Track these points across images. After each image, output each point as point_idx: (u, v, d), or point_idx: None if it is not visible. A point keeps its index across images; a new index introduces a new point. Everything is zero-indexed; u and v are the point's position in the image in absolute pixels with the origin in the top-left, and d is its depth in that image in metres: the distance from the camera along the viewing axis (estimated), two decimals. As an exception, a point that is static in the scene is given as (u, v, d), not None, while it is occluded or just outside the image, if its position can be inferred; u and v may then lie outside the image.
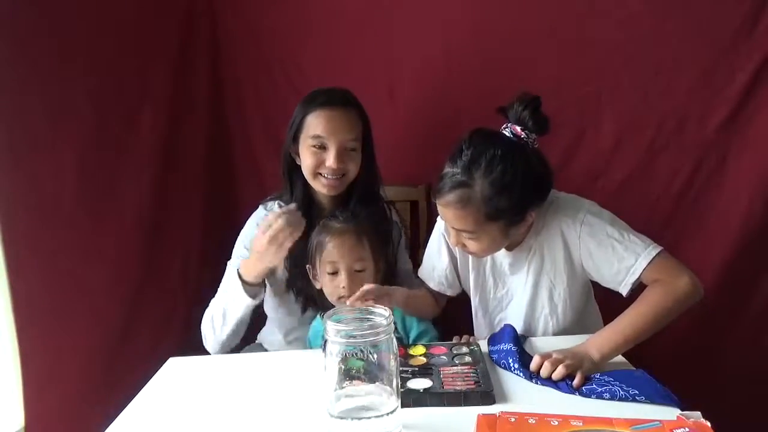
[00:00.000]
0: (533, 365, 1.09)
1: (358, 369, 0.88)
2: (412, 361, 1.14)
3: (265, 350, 1.63)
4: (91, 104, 1.46)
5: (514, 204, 1.17)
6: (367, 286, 1.25)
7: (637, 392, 0.99)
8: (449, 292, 1.44)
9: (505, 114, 1.21)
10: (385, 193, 1.60)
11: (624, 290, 1.21)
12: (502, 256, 1.32)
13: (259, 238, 1.33)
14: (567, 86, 1.67)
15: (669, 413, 0.92)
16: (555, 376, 1.05)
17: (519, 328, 1.30)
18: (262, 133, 1.88)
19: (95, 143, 1.47)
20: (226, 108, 1.89)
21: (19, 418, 1.34)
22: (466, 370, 1.09)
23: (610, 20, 1.62)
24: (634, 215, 1.30)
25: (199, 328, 1.49)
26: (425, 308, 1.42)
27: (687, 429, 0.84)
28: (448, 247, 1.39)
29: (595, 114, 1.68)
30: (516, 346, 1.16)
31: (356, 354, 0.87)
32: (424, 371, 1.09)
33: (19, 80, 1.30)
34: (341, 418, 0.88)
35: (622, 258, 1.19)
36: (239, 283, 1.39)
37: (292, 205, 1.40)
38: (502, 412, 0.91)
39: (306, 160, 1.46)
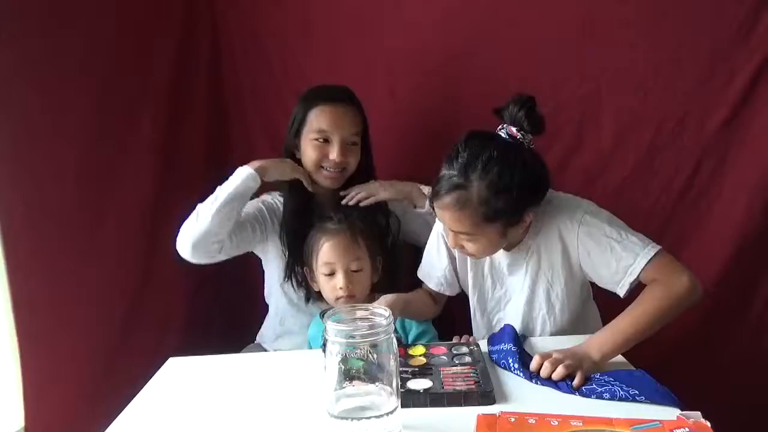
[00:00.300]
0: (533, 365, 1.09)
1: (358, 369, 0.88)
2: (412, 362, 1.14)
3: (265, 350, 1.63)
4: (91, 104, 1.46)
5: (512, 205, 1.17)
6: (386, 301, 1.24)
7: (637, 392, 0.99)
8: (448, 292, 1.44)
9: (501, 115, 1.22)
10: None
11: (621, 291, 1.21)
12: (501, 256, 1.32)
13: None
14: (567, 86, 1.67)
15: (669, 413, 0.92)
16: (555, 376, 1.05)
17: (518, 328, 1.30)
18: (262, 133, 1.88)
19: (95, 143, 1.47)
20: (226, 108, 1.89)
21: (19, 418, 1.34)
22: (466, 370, 1.09)
23: (610, 20, 1.62)
24: (633, 215, 1.30)
25: (199, 329, 1.50)
26: (424, 309, 1.42)
27: (687, 429, 0.84)
28: (447, 247, 1.39)
29: (595, 114, 1.68)
30: (516, 346, 1.16)
31: (356, 354, 0.87)
32: (424, 371, 1.09)
33: (19, 80, 1.30)
34: (341, 418, 0.88)
35: (620, 258, 1.19)
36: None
37: None
38: (502, 412, 0.91)
39: (309, 154, 1.51)
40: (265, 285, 1.66)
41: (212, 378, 1.20)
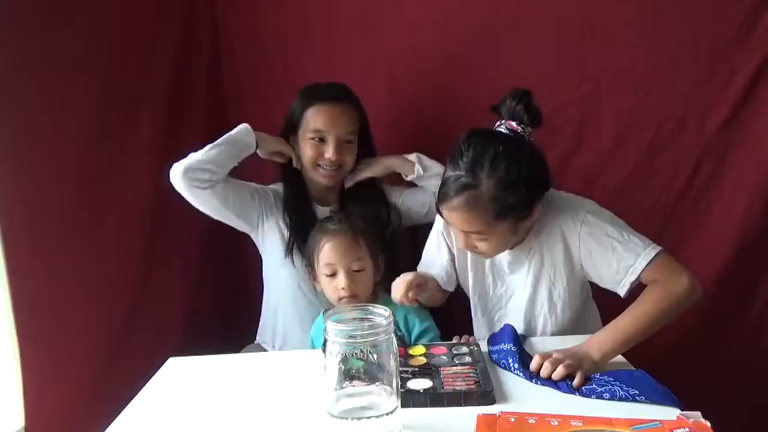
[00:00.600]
0: (533, 365, 1.09)
1: (358, 369, 0.88)
2: (412, 361, 1.14)
3: (265, 350, 1.64)
4: (91, 104, 1.46)
5: (522, 199, 1.17)
6: (407, 277, 1.25)
7: (637, 392, 0.99)
8: (449, 288, 1.44)
9: (498, 111, 1.22)
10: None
11: (622, 291, 1.21)
12: (502, 254, 1.32)
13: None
14: (567, 86, 1.67)
15: (669, 413, 0.92)
16: (555, 376, 1.05)
17: (518, 327, 1.30)
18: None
19: (95, 143, 1.47)
20: (226, 108, 1.89)
21: (19, 418, 1.34)
22: (466, 370, 1.09)
23: (610, 20, 1.62)
24: (633, 215, 1.30)
25: (199, 329, 1.50)
26: (436, 292, 1.42)
27: (687, 429, 0.84)
28: (447, 245, 1.40)
29: (595, 114, 1.68)
30: (516, 346, 1.16)
31: (356, 354, 0.87)
32: (424, 371, 1.09)
33: (19, 80, 1.30)
34: (341, 418, 0.88)
35: (621, 258, 1.19)
36: None
37: None
38: (502, 412, 0.91)
39: (306, 152, 1.54)
40: (263, 275, 1.67)
41: (212, 378, 1.20)
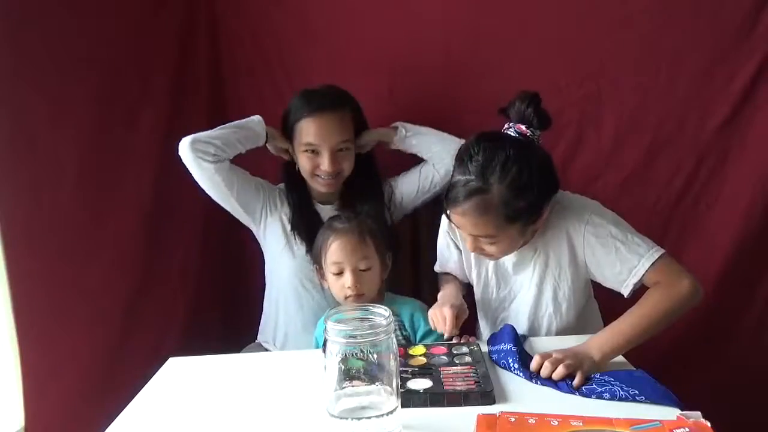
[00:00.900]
0: (533, 365, 1.09)
1: (358, 369, 0.88)
2: (412, 361, 1.14)
3: (265, 350, 1.64)
4: (91, 104, 1.46)
5: (532, 203, 1.17)
6: (449, 316, 1.24)
7: (637, 392, 0.99)
8: (466, 281, 1.45)
9: (506, 114, 1.21)
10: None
11: (625, 291, 1.22)
12: (507, 256, 1.32)
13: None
14: (567, 86, 1.66)
15: (669, 413, 0.92)
16: (555, 375, 1.05)
17: (523, 327, 1.31)
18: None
19: (95, 143, 1.47)
20: (226, 108, 1.88)
21: (19, 418, 1.33)
22: (466, 370, 1.09)
23: (610, 20, 1.62)
24: (634, 215, 1.30)
25: (199, 329, 1.50)
26: (462, 289, 1.43)
27: (687, 429, 0.84)
28: (455, 244, 1.40)
29: (595, 114, 1.68)
30: (516, 346, 1.16)
31: (356, 354, 0.87)
32: (424, 371, 1.09)
33: (19, 80, 1.30)
34: (341, 418, 0.88)
35: (625, 259, 1.20)
36: None
37: None
38: (502, 412, 0.91)
39: (302, 164, 1.55)
40: (266, 272, 1.67)
41: (212, 378, 1.20)
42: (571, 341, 1.17)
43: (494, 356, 1.17)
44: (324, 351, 0.89)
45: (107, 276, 1.50)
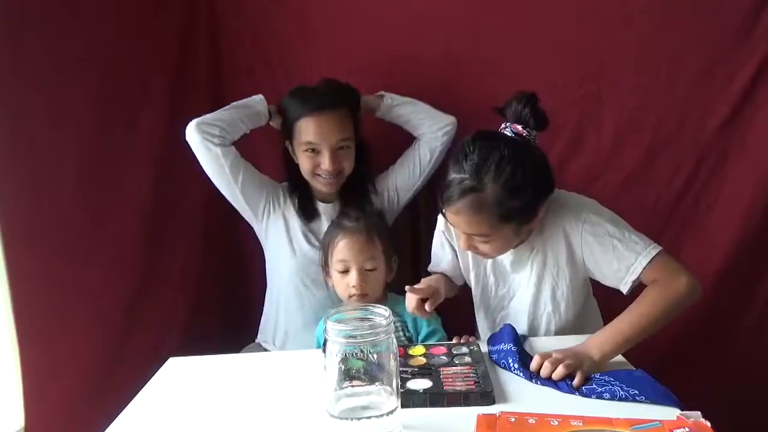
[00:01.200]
0: (533, 365, 1.09)
1: (358, 369, 0.88)
2: (411, 362, 1.14)
3: (265, 350, 1.64)
4: (91, 104, 1.46)
5: (527, 203, 1.17)
6: (415, 290, 1.25)
7: (637, 392, 0.99)
8: (459, 282, 1.45)
9: (503, 114, 1.21)
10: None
11: (624, 288, 1.22)
12: (504, 254, 1.32)
13: None
14: (567, 86, 1.66)
15: (669, 413, 0.92)
16: (555, 375, 1.05)
17: (522, 326, 1.31)
18: (262, 132, 1.87)
19: (95, 143, 1.47)
20: (226, 108, 1.88)
21: (19, 418, 1.34)
22: (465, 370, 1.09)
23: (610, 20, 1.62)
24: (634, 215, 1.30)
25: (199, 329, 1.50)
26: (451, 292, 1.43)
27: (687, 429, 0.84)
28: (450, 244, 1.40)
29: (595, 114, 1.68)
30: (516, 346, 1.16)
31: (356, 354, 0.87)
32: (423, 371, 1.09)
33: (19, 80, 1.30)
34: (341, 418, 0.88)
35: (622, 257, 1.20)
36: None
37: None
38: (502, 412, 0.91)
39: (303, 164, 1.55)
40: (267, 270, 1.67)
41: (212, 378, 1.20)
42: (570, 341, 1.17)
43: (494, 356, 1.17)
44: (324, 351, 0.89)
45: (107, 276, 1.50)
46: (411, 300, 1.26)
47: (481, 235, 1.20)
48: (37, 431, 1.35)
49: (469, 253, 1.33)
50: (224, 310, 1.90)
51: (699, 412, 0.88)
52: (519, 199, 1.15)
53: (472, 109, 1.65)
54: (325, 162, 1.50)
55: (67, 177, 1.41)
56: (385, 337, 0.87)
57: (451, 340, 1.31)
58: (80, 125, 1.44)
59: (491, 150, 1.15)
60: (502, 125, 1.20)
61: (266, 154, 1.69)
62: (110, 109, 1.51)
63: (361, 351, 0.86)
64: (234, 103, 1.56)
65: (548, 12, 1.64)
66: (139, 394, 1.14)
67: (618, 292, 1.23)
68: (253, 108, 1.56)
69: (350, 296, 1.37)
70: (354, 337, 0.87)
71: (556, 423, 0.87)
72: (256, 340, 1.69)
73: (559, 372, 1.05)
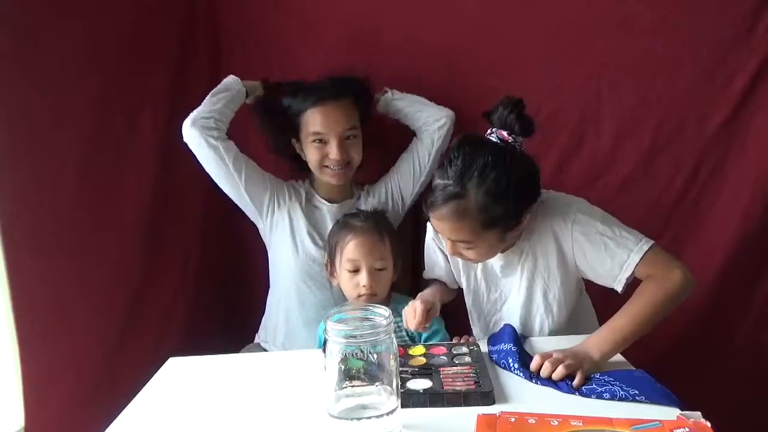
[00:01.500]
0: (533, 365, 1.09)
1: (358, 369, 0.88)
2: (411, 362, 1.14)
3: (265, 350, 1.64)
4: (91, 104, 1.46)
5: (510, 210, 1.16)
6: (418, 310, 1.25)
7: (637, 392, 0.99)
8: (455, 287, 1.45)
9: (490, 119, 1.21)
10: None
11: (619, 286, 1.21)
12: (494, 259, 1.32)
13: None
14: (567, 86, 1.66)
15: (669, 413, 0.92)
16: (555, 376, 1.05)
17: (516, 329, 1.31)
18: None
19: (95, 143, 1.47)
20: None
21: (19, 418, 1.34)
22: (465, 370, 1.09)
23: (610, 20, 1.62)
24: (634, 215, 1.31)
25: (199, 329, 1.49)
26: (448, 294, 1.44)
27: (687, 429, 0.84)
28: (441, 250, 1.40)
29: (595, 114, 1.68)
30: (516, 346, 1.16)
31: (356, 354, 0.87)
32: (423, 371, 1.09)
33: (19, 80, 1.30)
34: (341, 418, 0.89)
35: (614, 254, 1.19)
36: None
37: None
38: (502, 412, 0.92)
39: (311, 156, 1.55)
40: (270, 269, 1.67)
41: (212, 378, 1.20)
42: (570, 341, 1.17)
43: (494, 356, 1.17)
44: (324, 351, 0.89)
45: (107, 276, 1.50)
46: (411, 322, 1.26)
47: (464, 241, 1.19)
48: (37, 431, 1.35)
49: (459, 259, 1.33)
50: (224, 310, 1.90)
51: (699, 412, 0.89)
52: (502, 206, 1.14)
53: (472, 109, 1.65)
54: (333, 151, 1.51)
55: (68, 176, 1.41)
56: (386, 337, 0.87)
57: (451, 340, 1.31)
58: (80, 125, 1.44)
59: (475, 156, 1.14)
60: (488, 131, 1.20)
61: (266, 153, 1.69)
62: (110, 109, 1.51)
63: (361, 351, 0.87)
64: (212, 92, 1.56)
65: (549, 12, 1.64)
66: (139, 394, 1.14)
67: (611, 289, 1.23)
68: (231, 90, 1.57)
69: (359, 296, 1.36)
70: (354, 337, 0.87)
71: (556, 423, 0.87)
72: (256, 340, 1.69)
73: (559, 372, 1.05)
